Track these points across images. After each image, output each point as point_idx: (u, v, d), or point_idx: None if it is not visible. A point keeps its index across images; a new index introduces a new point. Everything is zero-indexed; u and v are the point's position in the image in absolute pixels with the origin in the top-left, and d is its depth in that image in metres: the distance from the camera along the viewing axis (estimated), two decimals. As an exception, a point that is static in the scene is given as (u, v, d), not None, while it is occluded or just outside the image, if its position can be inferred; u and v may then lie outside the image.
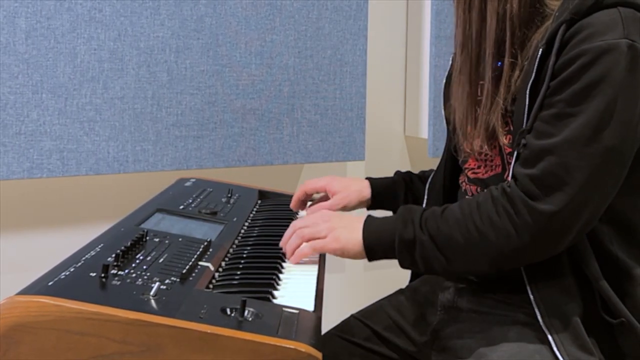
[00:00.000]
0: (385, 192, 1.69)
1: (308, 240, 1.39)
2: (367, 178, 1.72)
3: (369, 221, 1.36)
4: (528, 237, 1.22)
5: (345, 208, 1.68)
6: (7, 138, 1.95)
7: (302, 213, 1.75)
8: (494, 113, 1.32)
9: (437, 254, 1.28)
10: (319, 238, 1.38)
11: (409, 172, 1.74)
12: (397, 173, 1.74)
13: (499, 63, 1.34)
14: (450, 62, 1.59)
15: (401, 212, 1.34)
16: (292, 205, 1.72)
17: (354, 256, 1.36)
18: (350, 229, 1.36)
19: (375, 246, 1.34)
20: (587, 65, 1.19)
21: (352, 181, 1.71)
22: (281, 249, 1.43)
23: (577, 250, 1.27)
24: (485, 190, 1.29)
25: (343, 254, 1.37)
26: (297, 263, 1.38)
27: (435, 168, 1.66)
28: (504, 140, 1.34)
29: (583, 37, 1.20)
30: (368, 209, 1.70)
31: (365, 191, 1.68)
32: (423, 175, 1.71)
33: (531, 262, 1.28)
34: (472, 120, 1.40)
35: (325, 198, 1.70)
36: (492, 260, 1.27)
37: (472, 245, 1.26)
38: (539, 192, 1.21)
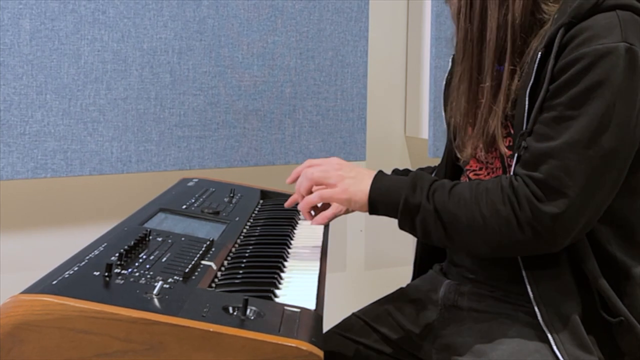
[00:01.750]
0: None
1: (317, 183, 1.41)
2: None
3: (379, 176, 1.37)
4: (530, 232, 1.23)
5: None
6: (11, 138, 1.96)
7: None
8: (493, 120, 1.33)
9: (439, 227, 1.29)
10: (327, 184, 1.40)
11: (406, 169, 1.75)
12: (395, 170, 1.75)
13: (501, 68, 1.34)
14: (450, 63, 1.60)
15: (412, 177, 1.34)
16: (287, 204, 1.71)
17: (360, 208, 1.37)
18: (359, 180, 1.37)
19: (379, 202, 1.35)
20: (586, 68, 1.20)
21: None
22: (283, 248, 1.43)
23: (576, 249, 1.28)
24: (495, 178, 1.30)
25: (350, 204, 1.38)
26: (308, 212, 1.42)
27: (433, 165, 1.67)
28: (504, 143, 1.34)
29: (582, 41, 1.21)
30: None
31: None
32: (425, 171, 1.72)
33: (529, 255, 1.29)
34: (471, 126, 1.40)
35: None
36: (490, 247, 1.28)
37: (473, 229, 1.26)
38: (542, 194, 1.22)
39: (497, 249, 1.28)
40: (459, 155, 1.48)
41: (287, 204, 1.58)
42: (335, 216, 1.56)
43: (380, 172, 1.38)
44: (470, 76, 1.37)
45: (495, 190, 1.26)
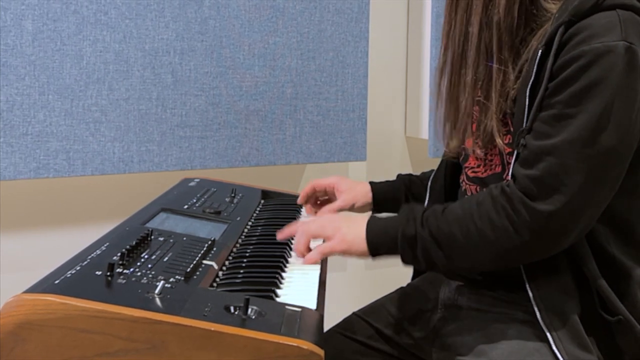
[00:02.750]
0: (386, 196, 1.72)
1: (314, 237, 1.41)
2: (369, 182, 1.74)
3: (373, 220, 1.37)
4: (527, 235, 1.23)
5: (353, 207, 1.71)
6: (14, 139, 1.97)
7: (304, 214, 1.77)
8: (490, 118, 1.33)
9: (438, 252, 1.29)
10: (325, 236, 1.40)
11: (409, 175, 1.76)
12: (399, 176, 1.76)
13: (491, 63, 1.35)
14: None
15: (404, 210, 1.35)
16: (299, 200, 1.75)
17: (361, 255, 1.37)
18: (354, 228, 1.37)
19: (379, 243, 1.35)
20: (585, 66, 1.20)
21: (357, 183, 1.74)
22: (285, 247, 1.44)
23: (575, 249, 1.28)
24: (485, 189, 1.30)
25: (351, 253, 1.38)
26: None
27: (435, 169, 1.68)
28: (503, 140, 1.35)
29: (581, 39, 1.21)
30: (372, 212, 1.73)
31: (369, 195, 1.72)
32: (424, 177, 1.73)
33: (531, 260, 1.29)
34: (452, 120, 1.41)
35: (331, 200, 1.73)
36: (492, 258, 1.28)
37: (471, 243, 1.27)
38: (537, 192, 1.22)
39: (500, 260, 1.28)
40: (445, 148, 1.49)
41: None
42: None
43: (372, 217, 1.39)
44: (452, 69, 1.38)
45: (486, 201, 1.27)
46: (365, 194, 1.71)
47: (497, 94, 1.32)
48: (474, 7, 1.33)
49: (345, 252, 1.38)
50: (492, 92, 1.33)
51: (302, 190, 1.77)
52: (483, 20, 1.32)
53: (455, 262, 1.30)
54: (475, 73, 1.34)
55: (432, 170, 1.71)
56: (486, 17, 1.31)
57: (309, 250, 1.42)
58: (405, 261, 1.34)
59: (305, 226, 1.43)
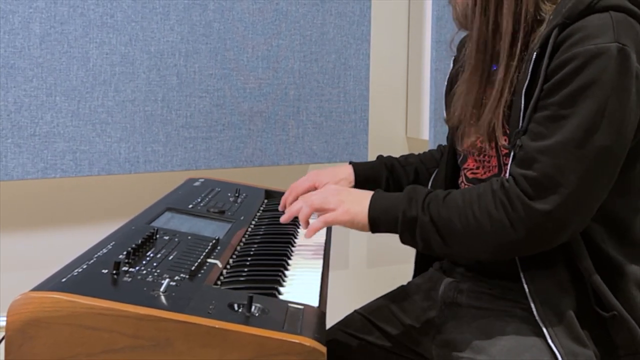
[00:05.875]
0: (367, 177, 1.73)
1: (317, 209, 1.43)
2: (350, 162, 1.76)
3: (376, 196, 1.39)
4: (523, 231, 1.25)
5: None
6: (22, 139, 1.98)
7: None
8: (496, 113, 1.35)
9: (436, 236, 1.31)
10: (328, 209, 1.41)
11: (389, 157, 1.78)
12: (379, 157, 1.78)
13: (494, 66, 1.37)
14: (452, 66, 1.62)
15: (407, 191, 1.37)
16: (280, 207, 1.71)
17: (362, 228, 1.39)
18: (358, 202, 1.39)
19: (380, 220, 1.37)
20: (579, 68, 1.22)
21: (337, 170, 1.74)
22: (287, 246, 1.45)
23: (570, 246, 1.30)
24: (487, 182, 1.32)
25: (352, 225, 1.39)
26: (310, 237, 1.42)
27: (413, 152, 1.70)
28: (502, 141, 1.37)
29: (575, 41, 1.23)
30: None
31: (350, 177, 1.72)
32: (405, 163, 1.75)
33: (526, 254, 1.31)
34: (476, 119, 1.43)
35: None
36: (487, 249, 1.30)
37: (469, 233, 1.29)
38: (534, 192, 1.24)
39: (495, 251, 1.31)
40: (458, 147, 1.51)
41: (283, 220, 1.51)
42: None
43: (377, 192, 1.40)
44: (483, 69, 1.38)
45: (486, 194, 1.29)
46: (345, 181, 1.71)
47: (499, 94, 1.34)
48: (505, 4, 1.32)
49: (348, 224, 1.40)
50: (495, 92, 1.35)
51: (282, 198, 1.72)
52: (515, 16, 1.32)
53: (451, 248, 1.32)
54: (487, 74, 1.37)
55: (412, 154, 1.76)
56: (518, 13, 1.32)
57: (308, 223, 1.44)
58: (403, 240, 1.36)
59: (310, 198, 1.45)
